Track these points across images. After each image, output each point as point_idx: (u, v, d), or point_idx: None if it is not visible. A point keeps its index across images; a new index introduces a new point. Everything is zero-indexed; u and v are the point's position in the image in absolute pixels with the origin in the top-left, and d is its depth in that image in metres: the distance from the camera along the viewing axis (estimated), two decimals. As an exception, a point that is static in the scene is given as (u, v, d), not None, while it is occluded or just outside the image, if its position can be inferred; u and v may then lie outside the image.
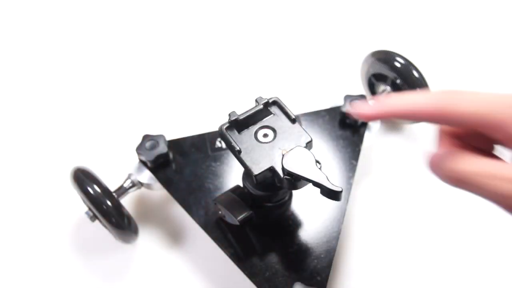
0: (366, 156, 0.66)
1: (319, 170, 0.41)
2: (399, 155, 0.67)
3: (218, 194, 0.54)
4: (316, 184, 0.41)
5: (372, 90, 0.67)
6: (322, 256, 0.51)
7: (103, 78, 0.76)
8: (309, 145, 0.44)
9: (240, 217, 0.48)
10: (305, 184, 0.43)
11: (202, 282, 0.57)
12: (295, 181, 0.42)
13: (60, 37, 0.81)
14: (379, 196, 0.63)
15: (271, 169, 0.43)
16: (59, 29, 0.82)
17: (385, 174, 0.65)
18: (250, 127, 0.46)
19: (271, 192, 0.50)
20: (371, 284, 0.57)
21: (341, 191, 0.40)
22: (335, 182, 0.41)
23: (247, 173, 0.48)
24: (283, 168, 0.42)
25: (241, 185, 0.52)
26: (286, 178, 0.42)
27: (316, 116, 0.61)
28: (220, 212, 0.51)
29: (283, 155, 0.42)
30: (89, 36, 0.81)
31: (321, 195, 0.42)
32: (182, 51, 0.79)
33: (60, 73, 0.77)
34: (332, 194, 0.41)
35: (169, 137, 0.59)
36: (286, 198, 0.53)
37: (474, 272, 0.57)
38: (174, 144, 0.59)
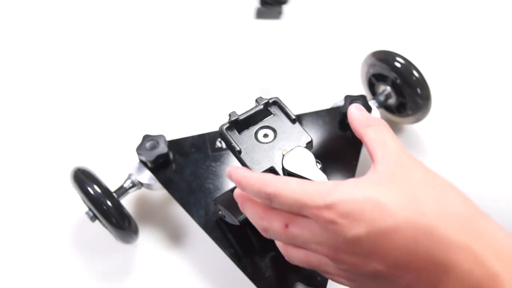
0: (367, 157, 0.66)
1: (319, 170, 0.41)
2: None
3: (218, 194, 0.54)
4: None
5: (372, 90, 0.67)
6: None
7: (104, 79, 0.76)
8: (309, 145, 0.44)
9: (240, 217, 0.48)
10: None
11: (202, 282, 0.57)
12: None
13: (61, 38, 0.81)
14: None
15: (271, 169, 0.43)
16: (60, 31, 0.82)
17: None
18: (250, 127, 0.46)
19: None
20: None
21: None
22: None
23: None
24: (283, 168, 0.42)
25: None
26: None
27: (316, 116, 0.61)
28: (220, 212, 0.52)
29: (283, 155, 0.42)
30: (90, 38, 0.81)
31: None
32: (182, 51, 0.79)
33: (61, 74, 0.77)
34: None
35: (169, 137, 0.59)
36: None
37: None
38: (174, 144, 0.59)
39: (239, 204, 0.38)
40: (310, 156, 0.42)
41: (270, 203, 0.35)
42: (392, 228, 0.30)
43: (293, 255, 0.37)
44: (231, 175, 0.37)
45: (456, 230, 0.30)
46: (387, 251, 0.30)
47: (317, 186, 0.33)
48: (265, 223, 0.36)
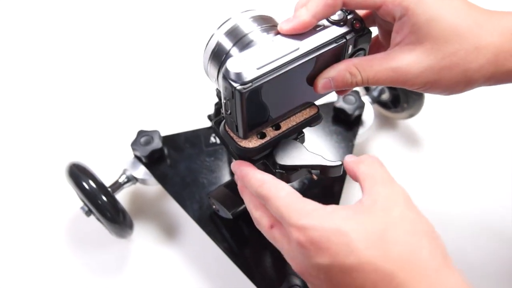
0: (360, 151, 0.66)
1: (312, 153, 0.41)
2: (393, 150, 0.68)
3: (212, 188, 0.54)
4: (315, 167, 0.41)
5: (366, 86, 0.68)
6: (315, 249, 0.51)
7: (99, 75, 0.76)
8: (301, 138, 0.44)
9: (233, 210, 0.49)
10: (298, 178, 0.43)
11: (196, 276, 0.57)
12: (288, 174, 0.43)
13: (57, 35, 0.81)
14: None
15: (264, 163, 0.43)
16: (57, 28, 0.82)
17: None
18: None
19: None
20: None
21: (341, 164, 0.41)
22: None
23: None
24: (274, 163, 0.42)
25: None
26: (278, 172, 0.42)
27: (310, 111, 0.61)
28: (214, 206, 0.52)
29: (272, 151, 0.42)
30: (85, 34, 0.81)
31: (321, 175, 0.42)
32: (176, 48, 0.79)
33: (57, 70, 0.77)
34: (333, 171, 0.41)
35: (164, 133, 0.59)
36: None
37: (466, 269, 0.58)
38: (168, 140, 0.59)
39: (239, 188, 0.40)
40: (298, 145, 0.42)
41: (264, 203, 0.36)
42: (354, 266, 0.30)
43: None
44: (235, 170, 0.39)
45: (416, 282, 0.30)
46: (348, 286, 0.31)
47: (299, 205, 0.33)
48: (257, 214, 0.38)
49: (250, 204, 0.38)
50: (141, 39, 0.80)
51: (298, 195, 0.35)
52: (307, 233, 0.32)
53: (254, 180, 0.37)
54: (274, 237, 0.36)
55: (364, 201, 0.33)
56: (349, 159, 0.38)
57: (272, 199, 0.35)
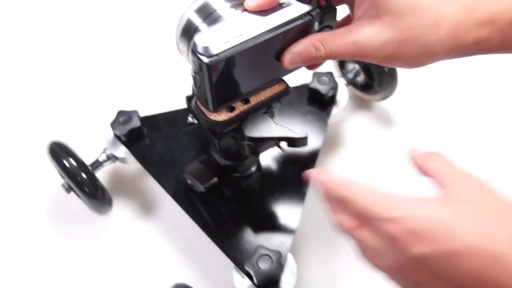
0: (336, 131, 0.68)
1: (279, 126, 0.43)
2: (368, 130, 0.69)
3: (188, 166, 0.56)
4: (282, 139, 0.43)
5: (342, 68, 0.69)
6: (286, 224, 0.53)
7: (80, 56, 0.77)
8: (270, 113, 0.46)
9: (205, 184, 0.50)
10: (266, 149, 0.45)
11: (173, 250, 0.59)
12: (256, 146, 0.45)
13: (37, 16, 0.82)
14: (345, 169, 0.65)
15: (233, 136, 0.45)
16: (35, 10, 0.83)
17: (352, 148, 0.67)
18: None
19: (237, 162, 0.52)
20: (333, 251, 0.59)
21: (307, 136, 0.43)
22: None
23: (214, 143, 0.50)
24: (243, 136, 0.44)
25: (210, 156, 0.54)
26: (246, 144, 0.44)
27: (286, 92, 0.63)
28: (189, 181, 0.54)
29: (241, 124, 0.44)
30: (65, 16, 0.82)
31: (290, 147, 0.44)
32: (156, 29, 0.80)
33: (37, 50, 0.78)
34: (299, 142, 0.43)
35: (144, 113, 0.60)
36: (253, 169, 0.55)
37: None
38: (148, 120, 0.61)
39: (323, 197, 0.38)
40: (266, 118, 0.44)
41: (346, 205, 0.35)
42: (457, 251, 0.29)
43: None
44: (314, 179, 0.38)
45: None
46: (453, 275, 0.30)
47: (385, 199, 0.33)
48: (339, 218, 0.36)
49: (331, 209, 0.37)
50: (120, 20, 0.82)
51: (380, 190, 0.34)
52: (403, 223, 0.30)
53: (334, 184, 0.36)
54: (361, 236, 0.34)
55: (449, 193, 0.33)
56: (414, 155, 0.38)
57: (355, 198, 0.34)
